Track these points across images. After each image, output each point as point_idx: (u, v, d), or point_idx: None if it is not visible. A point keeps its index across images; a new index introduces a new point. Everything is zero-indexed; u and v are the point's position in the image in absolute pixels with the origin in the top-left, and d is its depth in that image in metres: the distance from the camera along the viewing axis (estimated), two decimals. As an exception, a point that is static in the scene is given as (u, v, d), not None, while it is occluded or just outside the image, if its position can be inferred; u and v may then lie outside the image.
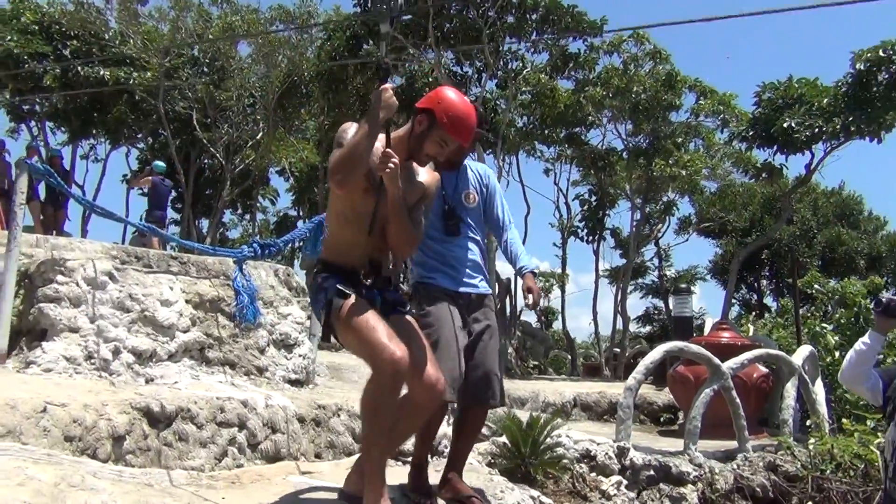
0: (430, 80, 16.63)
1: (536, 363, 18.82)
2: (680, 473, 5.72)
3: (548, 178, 24.36)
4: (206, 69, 19.47)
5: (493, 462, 5.26)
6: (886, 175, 72.04)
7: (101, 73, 17.32)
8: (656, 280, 25.76)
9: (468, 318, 3.49)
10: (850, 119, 13.08)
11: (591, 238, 22.62)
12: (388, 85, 2.97)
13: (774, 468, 6.07)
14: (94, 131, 21.19)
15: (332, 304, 2.93)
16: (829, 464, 5.96)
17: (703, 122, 18.79)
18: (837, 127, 13.24)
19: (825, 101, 13.61)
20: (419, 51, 15.91)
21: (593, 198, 22.11)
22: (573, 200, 23.23)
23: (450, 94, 3.12)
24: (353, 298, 2.91)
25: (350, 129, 3.01)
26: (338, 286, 2.94)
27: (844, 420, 7.17)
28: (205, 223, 24.88)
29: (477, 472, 4.63)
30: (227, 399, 4.37)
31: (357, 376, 7.07)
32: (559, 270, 25.85)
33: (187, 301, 5.30)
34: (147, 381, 4.77)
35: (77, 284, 4.72)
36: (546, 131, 18.93)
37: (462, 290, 3.53)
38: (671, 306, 17.57)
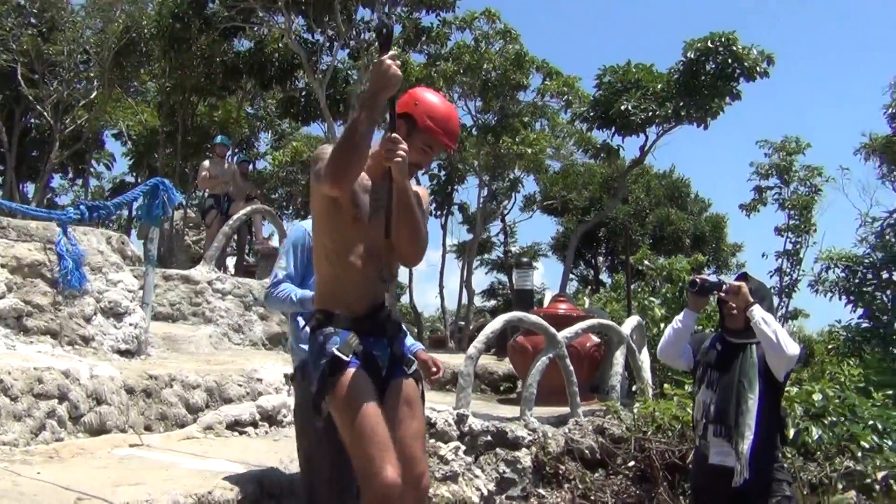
0: (280, 45, 16.18)
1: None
2: (515, 438, 5.94)
3: (399, 152, 24.32)
4: (33, 19, 17.95)
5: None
6: (711, 160, 77.54)
7: None
8: (501, 255, 26.47)
9: None
10: (681, 104, 13.92)
11: (439, 213, 22.86)
12: (390, 54, 2.51)
13: (602, 431, 6.42)
14: None
15: (327, 374, 2.54)
16: (650, 425, 6.36)
17: (548, 102, 19.35)
18: (669, 111, 14.05)
19: (659, 86, 14.39)
20: (269, 14, 15.41)
21: (442, 173, 22.33)
22: (423, 175, 23.38)
23: (426, 94, 2.85)
24: (351, 376, 2.52)
25: (329, 149, 2.62)
26: (336, 351, 2.54)
27: (666, 385, 7.67)
28: (31, 187, 23.10)
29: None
30: (47, 369, 4.08)
31: (194, 347, 6.82)
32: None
33: (3, 265, 4.89)
34: (-46, 352, 4.38)
35: None
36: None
37: None
38: (514, 279, 18.12)
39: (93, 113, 18.85)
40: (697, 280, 3.77)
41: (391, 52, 2.51)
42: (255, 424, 4.89)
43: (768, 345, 3.45)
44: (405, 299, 26.72)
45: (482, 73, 17.13)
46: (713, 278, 3.81)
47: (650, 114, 14.19)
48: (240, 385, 5.38)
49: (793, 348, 3.44)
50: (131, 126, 21.46)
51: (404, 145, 2.55)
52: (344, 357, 2.54)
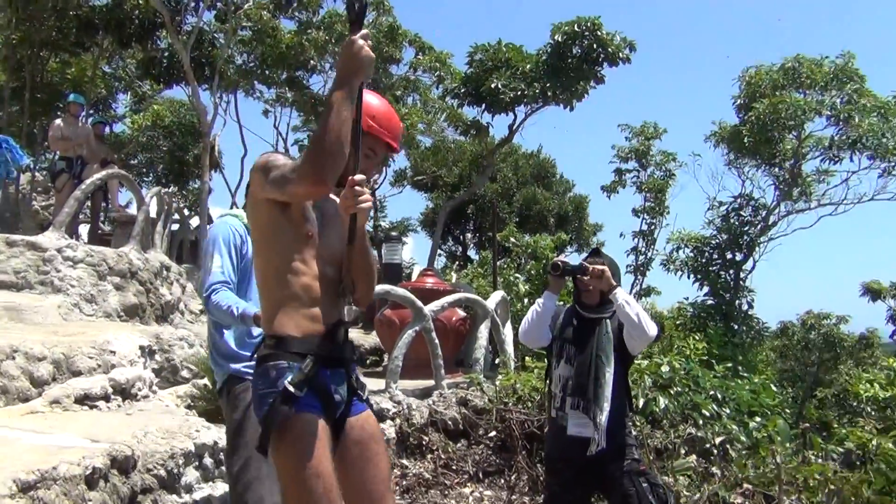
0: (141, 1, 15.33)
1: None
2: (380, 410, 5.98)
3: (267, 120, 23.79)
4: None
5: (192, 405, 5.10)
6: (575, 142, 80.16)
7: None
8: (371, 230, 26.40)
9: None
10: (548, 85, 14.30)
11: (308, 185, 22.46)
12: (361, 34, 2.22)
13: (465, 403, 6.56)
14: None
15: (278, 413, 2.18)
16: (511, 397, 6.56)
17: (420, 77, 19.37)
18: (537, 91, 14.40)
19: (528, 66, 14.71)
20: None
21: (312, 145, 21.98)
22: (293, 146, 22.98)
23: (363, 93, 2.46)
24: (306, 423, 2.20)
25: (279, 157, 2.36)
26: (287, 384, 2.19)
27: (527, 358, 7.94)
28: None
29: (172, 414, 4.46)
30: None
31: (41, 318, 6.42)
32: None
33: None
34: None
35: None
36: (266, 71, 18.37)
37: None
38: (383, 253, 18.13)
39: (-73, 64, 17.21)
40: (560, 263, 3.83)
41: (363, 31, 2.22)
42: (106, 398, 4.67)
43: (630, 326, 3.60)
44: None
45: (355, 44, 16.89)
46: (574, 261, 3.89)
47: (519, 93, 14.49)
48: (90, 357, 5.11)
49: (652, 329, 3.63)
50: (-27, 80, 19.78)
51: (368, 193, 2.28)
52: (297, 392, 2.19)
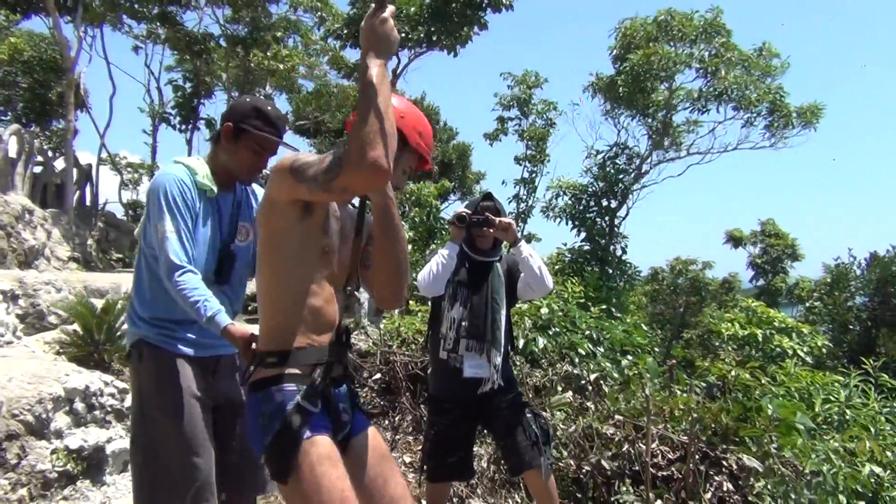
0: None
1: (120, 256, 17.69)
2: (262, 355, 5.89)
3: (138, 58, 22.56)
4: None
5: (61, 351, 4.87)
6: (459, 90, 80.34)
7: None
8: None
9: (214, 388, 2.76)
10: (432, 29, 14.23)
11: (184, 127, 21.65)
12: (388, 12, 1.98)
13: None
14: None
15: (290, 437, 1.98)
16: (395, 339, 6.63)
17: (301, 17, 18.81)
18: (421, 35, 14.31)
19: (412, 9, 14.56)
20: None
21: (188, 84, 21.09)
22: (166, 85, 21.97)
23: (404, 101, 2.23)
24: (328, 447, 2.01)
25: (306, 154, 2.09)
26: (300, 399, 2.01)
27: (412, 302, 8.00)
28: None
29: (40, 360, 4.24)
30: None
31: None
32: (149, 161, 24.50)
33: None
34: None
35: None
36: (135, 5, 17.34)
37: (210, 354, 2.75)
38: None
39: None
40: (465, 215, 3.82)
41: (390, 7, 1.98)
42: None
43: (532, 278, 3.70)
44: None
45: (232, -21, 16.21)
46: (478, 213, 3.86)
47: (403, 35, 14.34)
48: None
49: (551, 282, 3.77)
50: None
51: None
52: (312, 408, 2.03)
